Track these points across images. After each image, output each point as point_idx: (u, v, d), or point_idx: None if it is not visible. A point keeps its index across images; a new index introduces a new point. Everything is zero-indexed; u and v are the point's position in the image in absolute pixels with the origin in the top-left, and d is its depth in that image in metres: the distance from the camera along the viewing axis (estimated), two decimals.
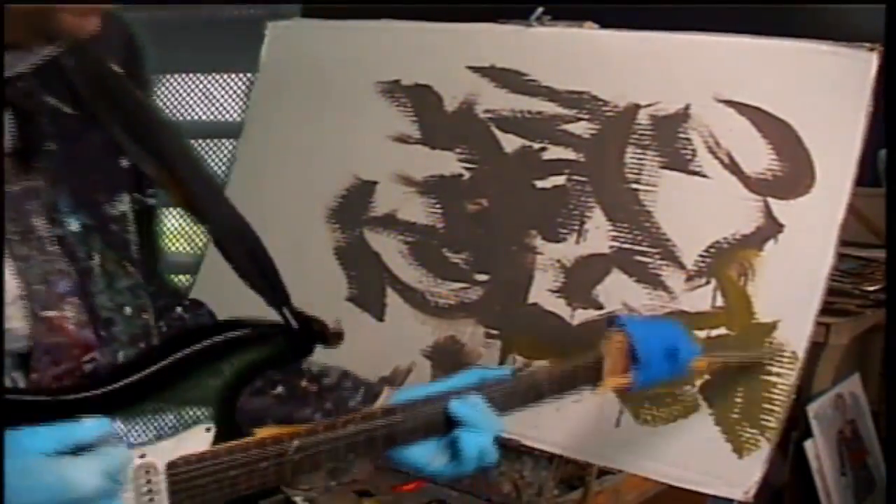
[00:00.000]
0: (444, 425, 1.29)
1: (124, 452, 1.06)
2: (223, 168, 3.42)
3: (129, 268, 1.26)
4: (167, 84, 3.55)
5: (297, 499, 1.81)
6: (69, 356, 1.18)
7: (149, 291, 1.29)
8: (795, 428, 2.19)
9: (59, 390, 1.13)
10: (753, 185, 1.64)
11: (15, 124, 1.17)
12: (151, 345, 1.27)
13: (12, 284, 1.14)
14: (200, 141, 3.45)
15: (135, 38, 1.35)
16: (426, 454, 1.30)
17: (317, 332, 1.27)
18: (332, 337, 1.27)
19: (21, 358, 1.15)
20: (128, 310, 1.25)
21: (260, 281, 1.28)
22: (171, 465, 1.10)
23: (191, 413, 1.16)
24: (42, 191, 1.18)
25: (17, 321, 1.14)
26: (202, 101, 3.46)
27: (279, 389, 1.37)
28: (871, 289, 2.31)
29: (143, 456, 1.10)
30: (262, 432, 1.16)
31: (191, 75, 3.47)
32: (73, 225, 1.20)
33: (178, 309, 1.39)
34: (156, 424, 1.13)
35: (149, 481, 1.09)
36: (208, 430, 1.16)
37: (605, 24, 1.84)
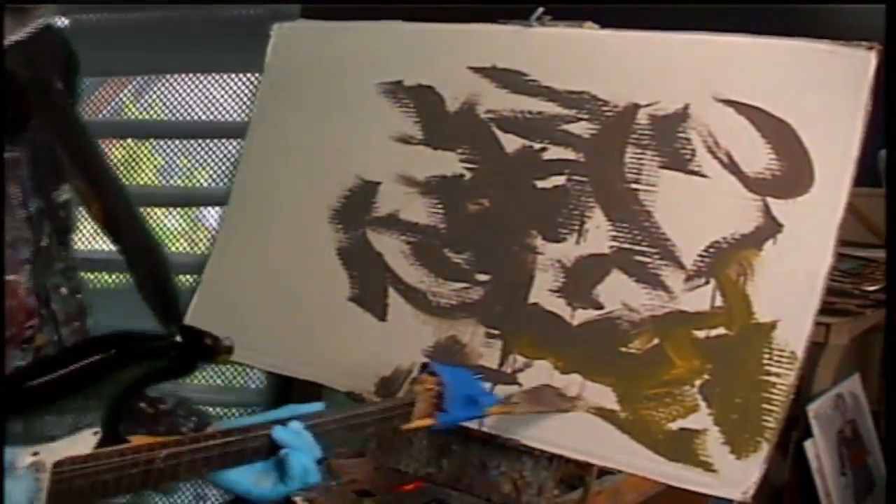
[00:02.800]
0: (267, 451, 1.36)
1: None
2: (223, 168, 3.44)
3: (63, 252, 1.34)
4: (167, 84, 3.55)
5: (298, 498, 1.81)
6: (15, 321, 1.26)
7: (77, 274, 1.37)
8: (795, 428, 2.20)
9: None
10: (752, 184, 1.64)
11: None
12: (84, 330, 1.36)
13: None
14: (200, 141, 3.45)
15: (73, 52, 1.40)
16: (250, 476, 1.37)
17: (207, 347, 1.32)
18: (221, 352, 1.33)
19: None
20: (63, 290, 1.33)
21: (155, 298, 1.34)
22: (57, 465, 1.16)
23: (85, 417, 1.22)
24: (22, 163, 1.25)
25: None
26: (202, 101, 3.46)
27: None
28: (871, 289, 2.31)
29: (35, 454, 1.16)
30: (137, 440, 1.24)
31: (191, 75, 3.47)
32: (32, 206, 1.28)
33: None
34: (54, 425, 1.20)
35: (37, 479, 1.15)
36: (95, 433, 1.23)
37: (605, 24, 1.85)
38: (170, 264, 1.38)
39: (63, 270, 1.34)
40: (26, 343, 1.29)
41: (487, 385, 1.73)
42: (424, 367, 1.64)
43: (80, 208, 1.39)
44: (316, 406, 1.45)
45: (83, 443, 1.21)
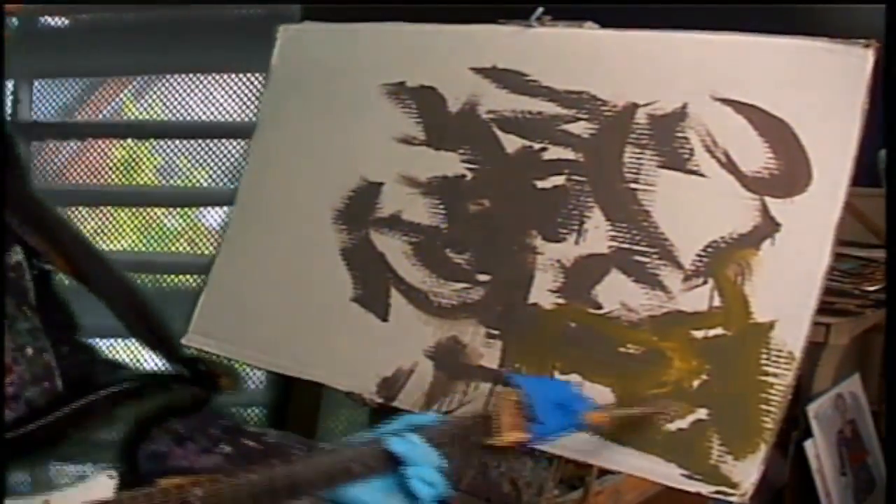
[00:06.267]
0: (385, 465, 1.29)
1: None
2: (223, 168, 3.45)
3: (27, 312, 1.32)
4: (167, 84, 3.56)
5: None
6: None
7: (45, 333, 1.34)
8: (795, 428, 2.19)
9: None
10: (750, 183, 1.63)
11: None
12: (55, 391, 1.30)
13: None
14: (200, 141, 3.46)
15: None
16: (375, 496, 1.30)
17: (210, 379, 1.29)
18: (225, 383, 1.29)
19: None
20: (29, 350, 1.30)
21: (149, 337, 1.31)
22: None
23: (94, 460, 1.17)
24: None
25: None
26: (202, 101, 3.47)
27: (226, 449, 1.38)
28: (871, 289, 2.31)
29: (46, 502, 1.10)
30: (165, 482, 1.15)
31: (191, 75, 3.49)
32: None
33: (65, 348, 1.41)
34: (60, 471, 1.14)
35: None
36: (111, 476, 1.17)
37: (605, 24, 1.85)
38: (150, 302, 1.34)
39: (30, 330, 1.31)
40: (13, 401, 1.25)
41: (575, 390, 1.62)
42: (504, 381, 1.55)
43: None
44: (431, 416, 1.40)
45: (99, 488, 1.14)
